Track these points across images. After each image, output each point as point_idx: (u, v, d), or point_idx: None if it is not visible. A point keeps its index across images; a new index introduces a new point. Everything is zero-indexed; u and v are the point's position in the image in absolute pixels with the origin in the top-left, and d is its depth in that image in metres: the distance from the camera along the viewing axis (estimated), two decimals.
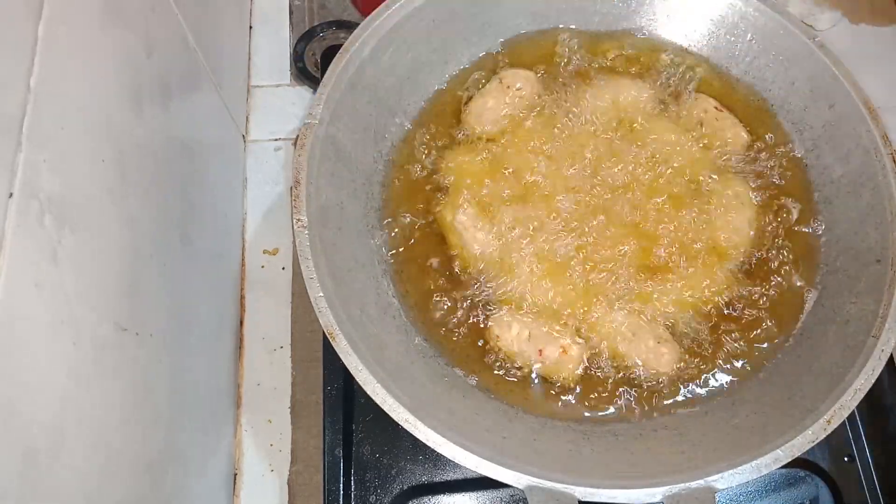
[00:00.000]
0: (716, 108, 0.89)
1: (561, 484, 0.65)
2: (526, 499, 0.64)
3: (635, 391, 0.77)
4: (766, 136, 0.90)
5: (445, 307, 0.80)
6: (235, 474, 0.91)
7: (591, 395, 0.77)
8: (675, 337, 0.79)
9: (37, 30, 0.54)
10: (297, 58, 1.09)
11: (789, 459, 0.66)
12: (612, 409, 0.77)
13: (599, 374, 0.78)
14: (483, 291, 0.81)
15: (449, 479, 0.83)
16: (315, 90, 0.82)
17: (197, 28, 0.87)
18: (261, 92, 1.12)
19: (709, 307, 0.81)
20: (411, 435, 0.65)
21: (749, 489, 0.82)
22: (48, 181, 0.53)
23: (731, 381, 0.78)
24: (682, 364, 0.78)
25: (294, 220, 0.73)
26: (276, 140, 1.09)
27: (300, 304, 0.99)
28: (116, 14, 0.68)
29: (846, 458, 0.85)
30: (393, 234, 0.84)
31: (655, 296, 0.80)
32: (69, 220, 0.55)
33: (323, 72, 0.82)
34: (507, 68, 0.91)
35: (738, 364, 0.79)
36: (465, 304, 0.80)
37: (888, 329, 0.71)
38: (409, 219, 0.84)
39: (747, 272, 0.83)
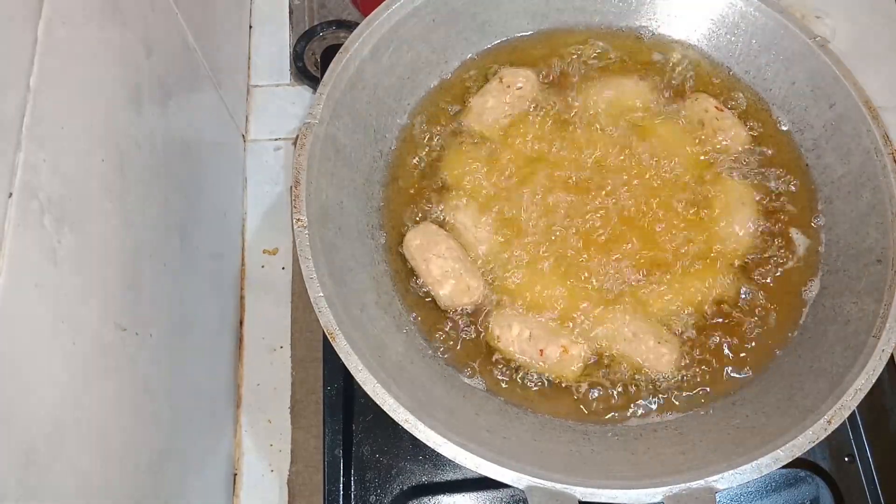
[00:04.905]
0: (716, 107, 0.89)
1: (561, 484, 0.64)
2: (526, 499, 0.64)
3: (636, 391, 0.77)
4: (767, 136, 0.89)
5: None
6: (235, 474, 0.91)
7: (592, 395, 0.77)
8: (676, 337, 0.79)
9: (36, 30, 0.54)
10: (297, 57, 1.09)
11: (790, 459, 0.66)
12: (612, 409, 0.77)
13: (600, 373, 0.78)
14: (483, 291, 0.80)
15: (449, 479, 0.83)
16: (315, 90, 0.82)
17: (197, 27, 0.87)
18: (260, 91, 1.12)
19: (709, 307, 0.81)
20: (411, 435, 0.65)
21: (749, 489, 0.82)
22: (48, 181, 0.53)
23: (731, 380, 0.78)
24: (682, 364, 0.78)
25: (294, 220, 0.73)
26: (275, 140, 1.09)
27: (300, 304, 0.98)
28: (116, 14, 0.67)
29: (846, 458, 0.85)
30: (393, 233, 0.84)
31: (656, 296, 0.80)
32: (69, 220, 0.55)
33: (323, 71, 0.82)
34: (507, 67, 0.91)
35: (739, 364, 0.79)
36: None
37: (888, 329, 0.71)
38: (409, 218, 0.84)
39: (748, 272, 0.83)
